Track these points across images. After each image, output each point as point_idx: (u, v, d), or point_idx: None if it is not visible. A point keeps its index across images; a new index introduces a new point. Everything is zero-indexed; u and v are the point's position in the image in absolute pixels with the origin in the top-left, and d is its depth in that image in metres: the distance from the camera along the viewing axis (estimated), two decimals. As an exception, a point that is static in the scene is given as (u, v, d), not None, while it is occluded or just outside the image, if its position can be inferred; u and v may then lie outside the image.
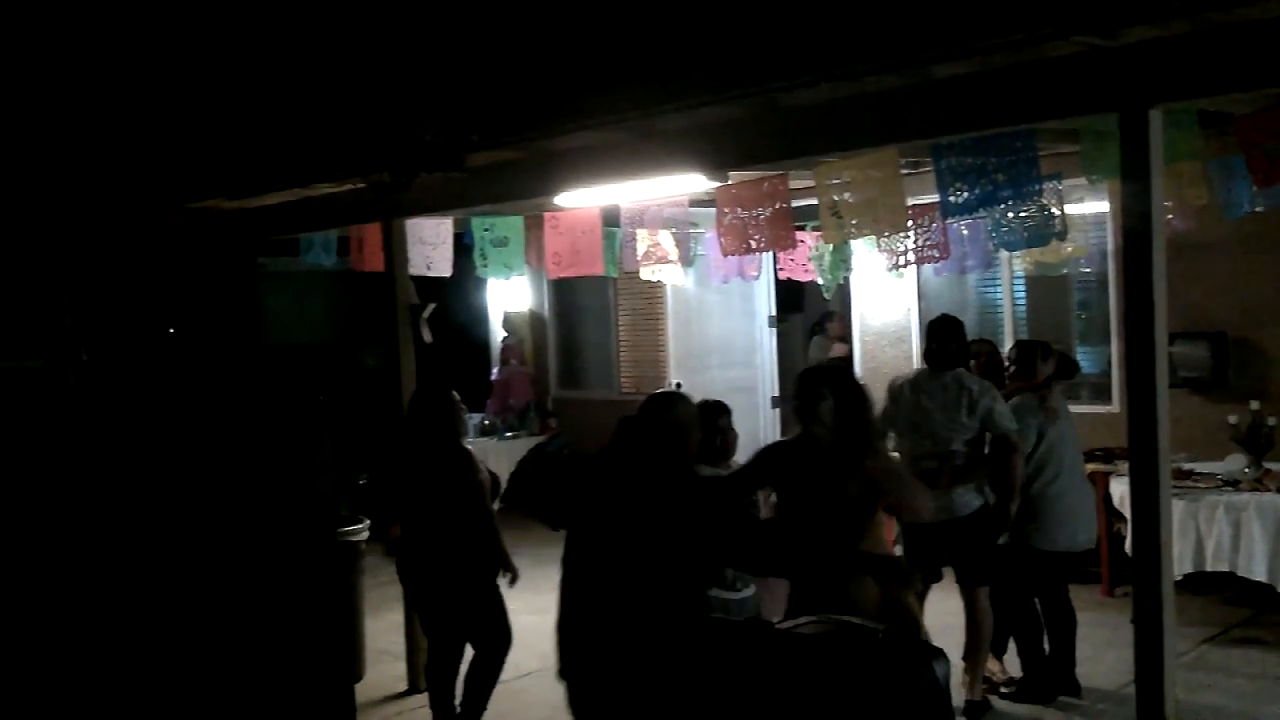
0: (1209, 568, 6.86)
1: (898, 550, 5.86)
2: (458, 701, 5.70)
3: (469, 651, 5.71)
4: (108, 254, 8.45)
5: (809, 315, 12.42)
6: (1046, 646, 6.05)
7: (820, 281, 8.87)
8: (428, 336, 10.61)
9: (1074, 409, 8.75)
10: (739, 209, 6.42)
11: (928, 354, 6.00)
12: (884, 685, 3.13)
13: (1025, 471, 5.79)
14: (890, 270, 7.93)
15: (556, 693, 6.50)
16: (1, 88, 6.25)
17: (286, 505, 4.37)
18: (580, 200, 7.02)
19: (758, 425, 10.39)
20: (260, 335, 10.06)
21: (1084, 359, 9.24)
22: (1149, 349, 4.23)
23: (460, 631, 5.61)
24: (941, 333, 5.94)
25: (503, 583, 5.71)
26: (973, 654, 5.88)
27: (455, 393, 5.72)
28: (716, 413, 5.17)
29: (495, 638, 5.60)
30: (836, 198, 5.88)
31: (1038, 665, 6.01)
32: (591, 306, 12.31)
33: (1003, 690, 6.08)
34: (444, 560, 5.53)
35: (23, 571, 3.91)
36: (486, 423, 11.23)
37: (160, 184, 6.99)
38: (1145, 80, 4.15)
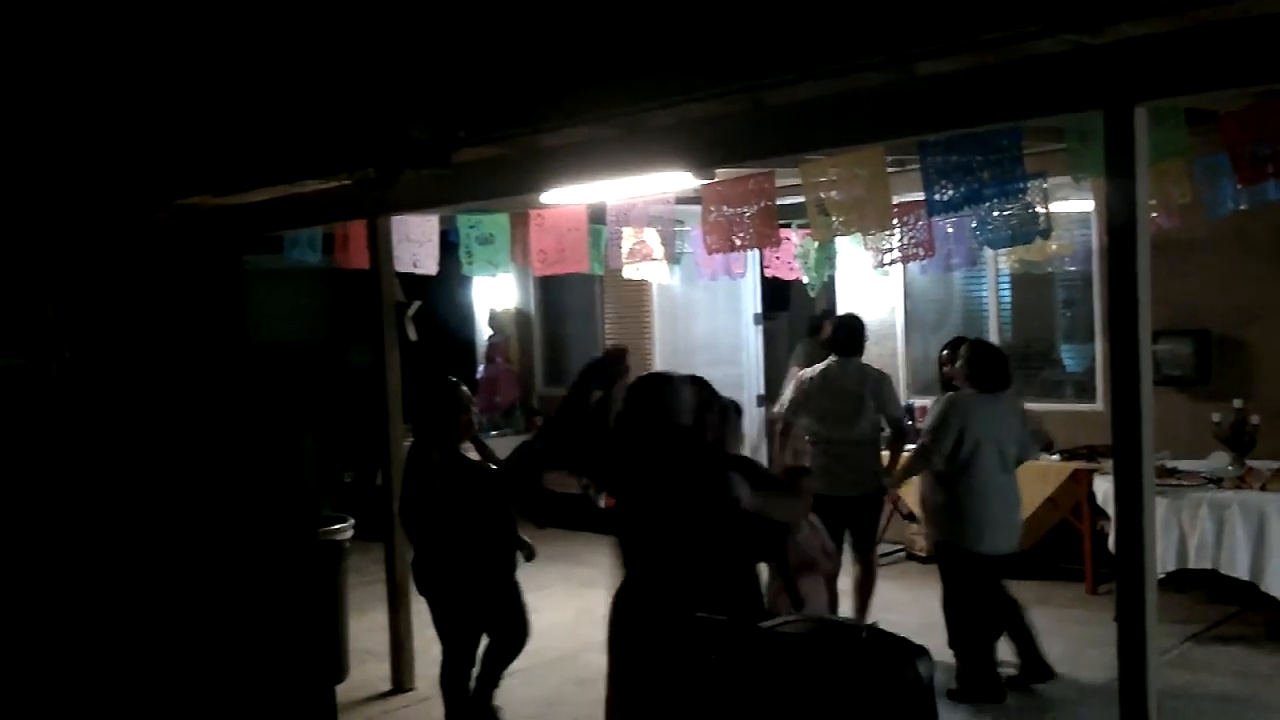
0: (1192, 565, 6.88)
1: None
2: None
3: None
4: (92, 250, 8.40)
5: (795, 313, 12.41)
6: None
7: (806, 279, 8.88)
8: (413, 334, 10.58)
9: (1058, 407, 8.87)
10: (724, 206, 6.41)
11: (833, 343, 6.96)
12: (866, 684, 3.13)
13: (948, 470, 6.02)
14: (876, 268, 7.94)
15: (544, 689, 6.53)
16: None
17: (269, 503, 4.35)
18: (566, 197, 7.01)
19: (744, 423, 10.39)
20: (245, 333, 10.01)
21: (1068, 357, 9.28)
22: (1133, 347, 4.23)
23: (477, 628, 5.55)
24: (846, 325, 7.02)
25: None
26: (862, 611, 6.80)
27: (464, 388, 5.62)
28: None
29: (514, 629, 5.58)
30: (823, 195, 5.88)
31: (985, 665, 6.10)
32: (577, 304, 12.30)
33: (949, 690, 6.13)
34: (456, 557, 5.47)
35: (3, 569, 3.89)
36: (472, 420, 11.23)
37: (146, 180, 6.95)
38: (1130, 78, 4.16)
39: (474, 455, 5.73)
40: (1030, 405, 8.95)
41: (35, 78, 6.18)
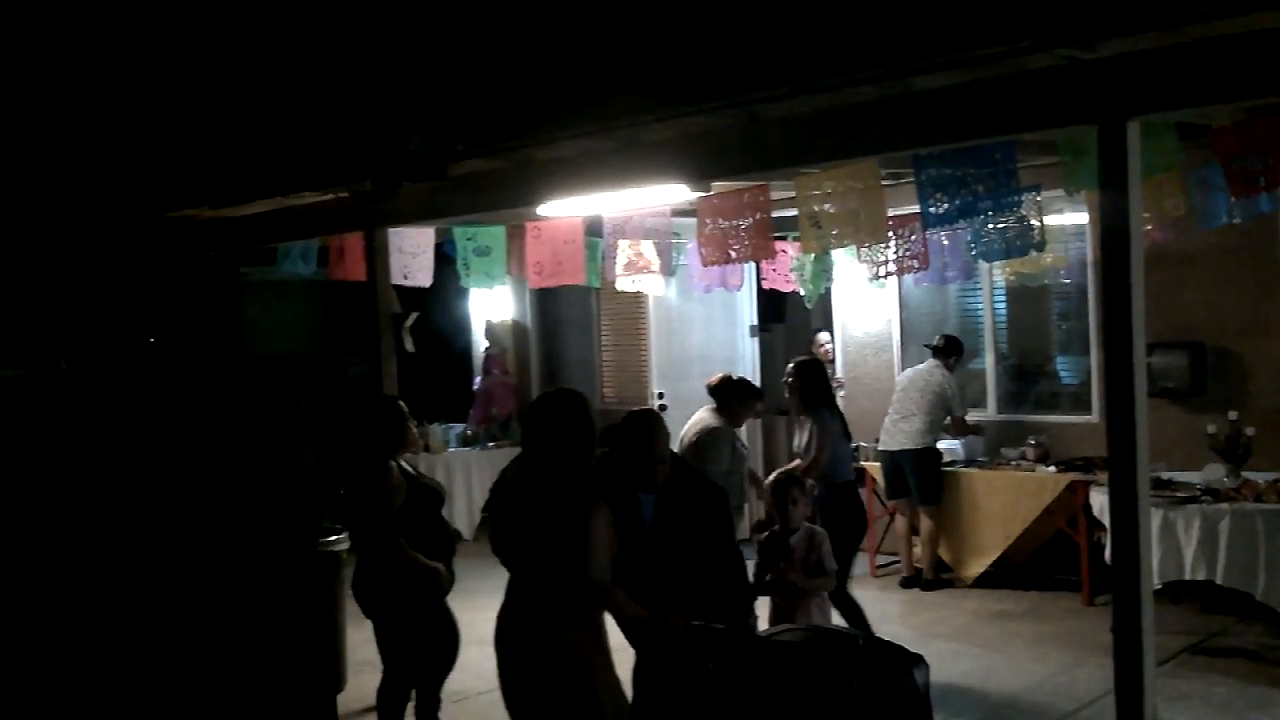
0: (1188, 576, 6.88)
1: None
2: None
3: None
4: (88, 262, 8.41)
5: (791, 325, 12.42)
6: None
7: (802, 292, 8.91)
8: (410, 346, 10.58)
9: (1054, 418, 8.89)
10: (719, 219, 6.43)
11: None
12: (863, 692, 3.14)
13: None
14: (871, 281, 7.96)
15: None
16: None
17: (268, 515, 4.35)
18: (563, 210, 7.03)
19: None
20: (241, 344, 10.02)
21: (1064, 369, 9.31)
22: (1128, 359, 4.25)
23: (419, 645, 5.46)
24: (946, 337, 8.83)
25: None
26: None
27: (401, 403, 5.62)
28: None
29: (446, 646, 5.47)
30: (817, 208, 5.90)
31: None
32: (574, 316, 12.30)
33: None
34: (367, 578, 5.46)
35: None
36: (469, 432, 11.21)
37: (143, 192, 6.96)
38: (1123, 92, 4.19)
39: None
40: (1027, 417, 9.02)
41: (32, 90, 6.19)
